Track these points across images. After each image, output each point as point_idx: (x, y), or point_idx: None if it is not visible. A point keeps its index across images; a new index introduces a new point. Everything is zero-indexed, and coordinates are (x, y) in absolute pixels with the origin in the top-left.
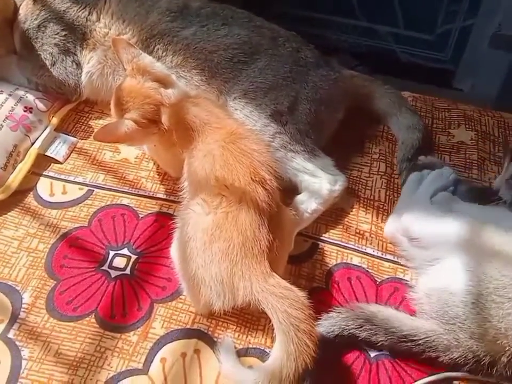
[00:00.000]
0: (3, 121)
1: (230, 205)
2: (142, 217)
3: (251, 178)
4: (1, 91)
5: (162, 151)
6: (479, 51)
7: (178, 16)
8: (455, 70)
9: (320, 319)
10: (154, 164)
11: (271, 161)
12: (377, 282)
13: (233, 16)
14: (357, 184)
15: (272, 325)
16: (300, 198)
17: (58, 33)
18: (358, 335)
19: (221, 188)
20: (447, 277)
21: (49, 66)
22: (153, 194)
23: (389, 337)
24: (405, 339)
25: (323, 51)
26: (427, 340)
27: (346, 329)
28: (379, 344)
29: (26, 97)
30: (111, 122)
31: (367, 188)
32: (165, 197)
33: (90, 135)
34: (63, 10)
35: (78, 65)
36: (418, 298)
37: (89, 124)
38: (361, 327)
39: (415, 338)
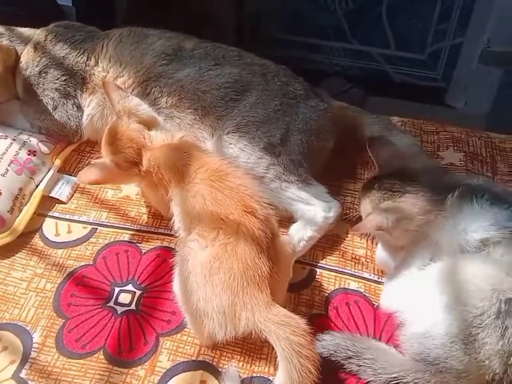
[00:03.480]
0: (8, 166)
1: (228, 236)
2: (144, 253)
3: (243, 210)
4: (6, 136)
5: (148, 192)
6: (469, 68)
7: (173, 59)
8: (447, 88)
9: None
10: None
11: (257, 192)
12: (375, 306)
13: (224, 56)
14: (351, 210)
15: (275, 353)
16: (295, 226)
17: (58, 78)
18: (345, 366)
19: (217, 222)
20: (427, 322)
21: (51, 110)
22: (154, 229)
23: (378, 378)
24: (394, 382)
25: (316, 75)
26: (416, 382)
27: (334, 355)
28: (369, 381)
29: (30, 141)
30: (93, 164)
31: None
32: (166, 231)
33: None
34: (63, 57)
35: (79, 108)
36: (402, 341)
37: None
38: (349, 358)
39: (403, 380)
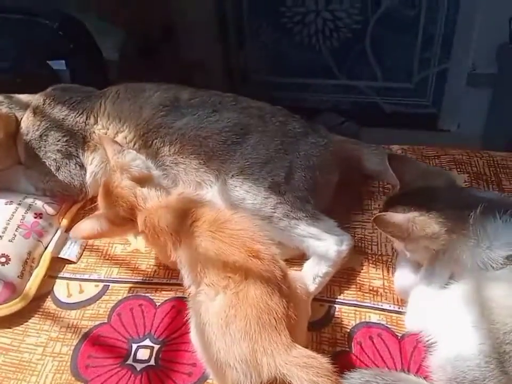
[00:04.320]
0: (15, 231)
1: (237, 284)
2: (159, 305)
3: (247, 255)
4: (11, 201)
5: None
6: (458, 91)
7: (171, 109)
8: (438, 113)
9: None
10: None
11: (258, 233)
12: (399, 337)
13: (221, 102)
14: (363, 242)
15: None
16: (309, 263)
17: (59, 139)
18: None
19: (224, 271)
20: (457, 345)
21: (54, 172)
22: (167, 280)
23: None
24: None
25: (308, 113)
26: None
27: None
28: None
29: (35, 204)
30: (86, 218)
31: (373, 243)
32: (178, 281)
33: None
34: (62, 118)
35: (81, 166)
36: (434, 371)
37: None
38: None
39: None
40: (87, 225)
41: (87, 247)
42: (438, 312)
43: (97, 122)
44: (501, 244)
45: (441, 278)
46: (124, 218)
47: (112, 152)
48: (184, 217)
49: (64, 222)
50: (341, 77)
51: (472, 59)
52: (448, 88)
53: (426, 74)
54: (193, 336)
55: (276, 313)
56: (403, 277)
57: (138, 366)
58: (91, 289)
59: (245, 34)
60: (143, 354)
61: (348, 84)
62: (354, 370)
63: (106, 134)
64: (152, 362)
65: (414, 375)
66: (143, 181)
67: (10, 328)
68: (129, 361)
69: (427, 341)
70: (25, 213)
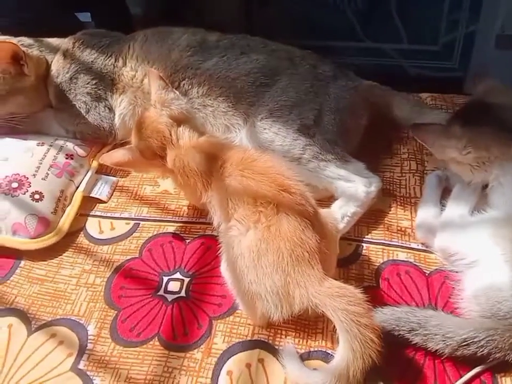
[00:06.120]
0: (48, 170)
1: (269, 218)
2: (189, 242)
3: (278, 190)
4: (43, 143)
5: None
6: (486, 55)
7: (198, 50)
8: (465, 77)
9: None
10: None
11: (287, 170)
12: (427, 274)
13: (249, 44)
14: (391, 184)
15: (331, 327)
16: (338, 203)
17: (89, 82)
18: (411, 339)
19: (255, 205)
20: (489, 275)
21: (84, 114)
22: (196, 219)
23: (448, 343)
24: (465, 343)
25: None
26: (489, 340)
27: (397, 329)
28: (438, 351)
29: (66, 145)
30: (118, 148)
31: (402, 186)
32: (207, 220)
33: (129, 173)
34: (91, 61)
35: (110, 109)
36: (467, 301)
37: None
38: (413, 330)
39: (475, 340)
40: (118, 153)
41: (117, 187)
42: (469, 239)
43: (125, 64)
44: None
45: (469, 202)
46: (155, 153)
47: (156, 87)
48: (214, 160)
49: (95, 163)
50: (366, 39)
51: (502, 20)
52: (475, 51)
53: (453, 36)
54: (224, 269)
55: (309, 247)
56: (426, 213)
57: (170, 297)
58: (122, 227)
59: None
60: (173, 286)
61: (373, 47)
62: (386, 306)
63: (134, 76)
64: (182, 293)
65: (444, 312)
66: (180, 120)
67: (45, 261)
68: (161, 292)
69: (456, 260)
70: (56, 154)
